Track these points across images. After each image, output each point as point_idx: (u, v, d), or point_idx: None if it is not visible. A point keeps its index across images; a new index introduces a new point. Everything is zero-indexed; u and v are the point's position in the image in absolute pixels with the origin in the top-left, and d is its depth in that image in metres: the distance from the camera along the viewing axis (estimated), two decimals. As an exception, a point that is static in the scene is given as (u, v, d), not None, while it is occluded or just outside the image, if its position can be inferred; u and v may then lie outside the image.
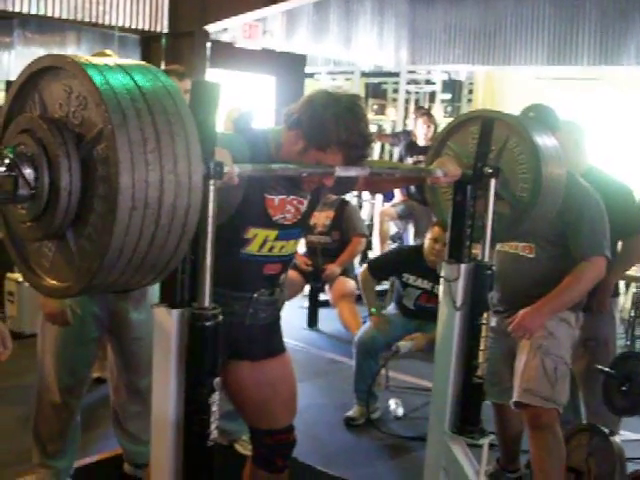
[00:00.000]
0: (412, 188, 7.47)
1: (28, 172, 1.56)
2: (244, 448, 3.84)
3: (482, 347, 2.78)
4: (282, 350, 2.71)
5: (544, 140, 2.79)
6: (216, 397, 1.90)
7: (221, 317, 1.92)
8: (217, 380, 1.90)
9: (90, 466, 3.72)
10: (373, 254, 7.92)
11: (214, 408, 1.90)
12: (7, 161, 1.56)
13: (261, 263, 2.49)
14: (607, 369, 3.46)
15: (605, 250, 3.32)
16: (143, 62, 1.70)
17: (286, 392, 2.70)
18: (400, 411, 4.81)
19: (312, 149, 2.31)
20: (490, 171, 2.72)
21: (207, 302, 1.89)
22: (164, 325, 1.92)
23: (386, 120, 10.85)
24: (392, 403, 4.85)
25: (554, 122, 3.40)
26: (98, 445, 3.98)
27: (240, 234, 2.41)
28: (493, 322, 3.55)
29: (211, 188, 1.82)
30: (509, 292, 3.48)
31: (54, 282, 1.70)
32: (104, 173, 1.53)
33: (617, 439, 3.52)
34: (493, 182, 2.73)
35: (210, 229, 1.85)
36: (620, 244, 3.92)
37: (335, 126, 2.27)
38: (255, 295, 2.51)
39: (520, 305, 3.40)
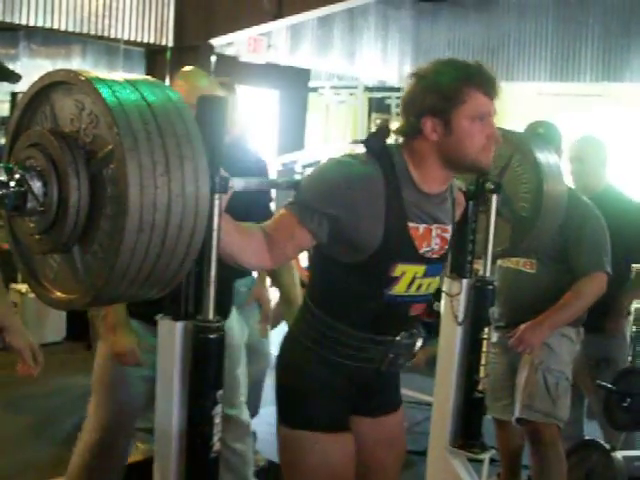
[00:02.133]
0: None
1: (37, 186, 1.58)
2: None
3: (483, 362, 2.78)
4: (399, 404, 2.50)
5: (547, 158, 2.81)
6: (219, 409, 1.91)
7: (224, 332, 1.92)
8: (220, 392, 1.91)
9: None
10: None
11: (217, 420, 1.91)
12: (17, 176, 1.57)
13: (408, 304, 2.24)
14: (608, 385, 3.47)
15: (606, 266, 3.34)
16: (154, 79, 1.71)
17: (400, 448, 2.50)
18: (401, 425, 4.79)
19: (453, 116, 2.08)
20: (492, 187, 2.73)
21: (211, 315, 1.90)
22: (168, 337, 1.93)
23: (389, 135, 10.84)
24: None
25: (559, 140, 3.44)
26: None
27: (386, 272, 2.14)
28: (495, 338, 3.56)
29: (216, 202, 1.83)
30: (511, 307, 3.49)
31: (59, 294, 1.72)
32: (113, 193, 1.54)
33: (618, 455, 3.53)
34: (495, 198, 2.75)
35: (214, 242, 1.86)
36: (635, 267, 3.94)
37: (450, 75, 2.08)
38: (397, 338, 2.26)
39: (521, 320, 3.41)
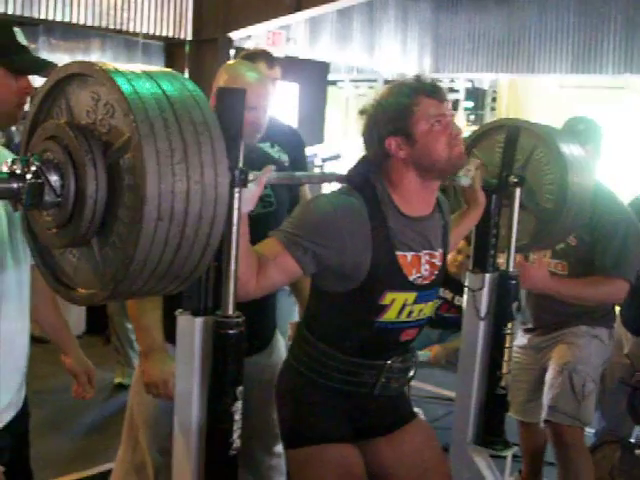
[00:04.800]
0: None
1: (54, 179, 1.55)
2: None
3: (506, 358, 2.75)
4: (414, 416, 2.49)
5: (570, 149, 2.77)
6: (239, 406, 1.88)
7: (243, 327, 1.89)
8: (240, 389, 1.89)
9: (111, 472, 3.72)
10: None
11: (237, 417, 1.88)
12: (34, 168, 1.55)
13: (399, 330, 2.27)
14: (633, 383, 3.43)
15: (630, 275, 3.22)
16: (171, 70, 1.69)
17: (435, 459, 2.44)
18: (421, 420, 4.77)
19: (410, 128, 2.14)
20: (515, 180, 2.70)
21: (231, 310, 1.87)
22: (187, 333, 1.91)
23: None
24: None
25: (600, 137, 3.37)
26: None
27: (376, 301, 2.18)
28: (525, 340, 3.53)
29: (236, 196, 1.81)
30: (540, 310, 3.45)
31: (80, 290, 1.70)
32: (131, 182, 1.52)
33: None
34: (518, 191, 2.71)
35: (234, 237, 1.83)
36: None
37: (391, 96, 2.17)
38: (389, 362, 2.29)
39: (550, 323, 3.38)
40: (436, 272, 2.29)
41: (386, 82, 10.64)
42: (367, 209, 2.14)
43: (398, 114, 2.15)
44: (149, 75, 1.58)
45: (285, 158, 3.58)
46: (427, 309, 2.32)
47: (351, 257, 2.11)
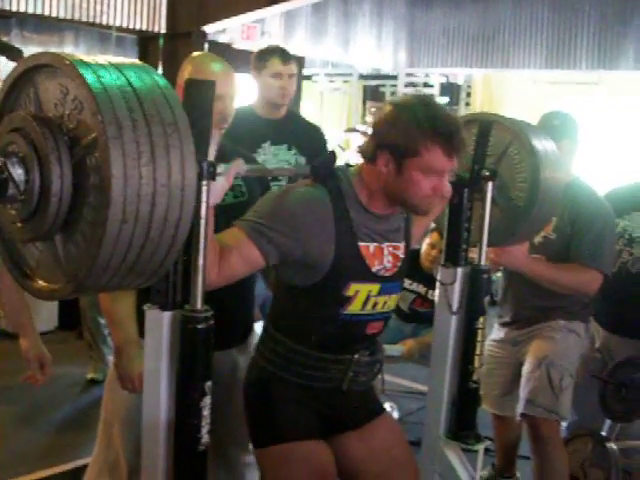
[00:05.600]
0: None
1: (18, 173, 1.53)
2: None
3: (478, 352, 2.75)
4: (382, 410, 2.53)
5: (544, 145, 2.77)
6: (207, 401, 1.87)
7: (212, 321, 1.87)
8: (209, 384, 1.88)
9: (86, 467, 3.69)
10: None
11: (205, 412, 1.87)
12: (-2, 163, 1.53)
13: (364, 322, 2.28)
14: (604, 377, 3.45)
15: (604, 267, 3.23)
16: (142, 63, 1.66)
17: (404, 456, 2.47)
18: (395, 415, 4.78)
19: (407, 161, 2.11)
20: (487, 174, 2.70)
21: (199, 304, 1.86)
22: (155, 328, 1.90)
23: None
24: (387, 407, 4.83)
25: (576, 131, 3.37)
26: (93, 446, 3.97)
27: (340, 292, 2.19)
28: (502, 333, 3.54)
29: (204, 189, 1.79)
30: (517, 303, 3.46)
31: (42, 283, 1.68)
32: (96, 182, 1.50)
33: (614, 445, 3.51)
34: (490, 185, 2.71)
35: (202, 231, 1.82)
36: None
37: (417, 122, 2.08)
38: (356, 356, 2.30)
39: (527, 316, 3.39)
40: (399, 264, 2.31)
41: (361, 76, 10.66)
42: (330, 200, 2.15)
43: (406, 143, 2.10)
44: (119, 69, 1.55)
45: (302, 160, 3.57)
46: (391, 301, 2.34)
47: (315, 248, 2.12)
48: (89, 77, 1.49)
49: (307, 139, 3.66)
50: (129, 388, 2.52)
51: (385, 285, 2.27)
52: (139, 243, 1.52)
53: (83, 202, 1.54)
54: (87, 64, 1.53)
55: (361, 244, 2.19)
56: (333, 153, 2.26)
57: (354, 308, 2.23)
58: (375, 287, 2.24)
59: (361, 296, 2.22)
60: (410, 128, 2.09)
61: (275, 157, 3.50)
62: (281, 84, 3.63)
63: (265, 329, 2.38)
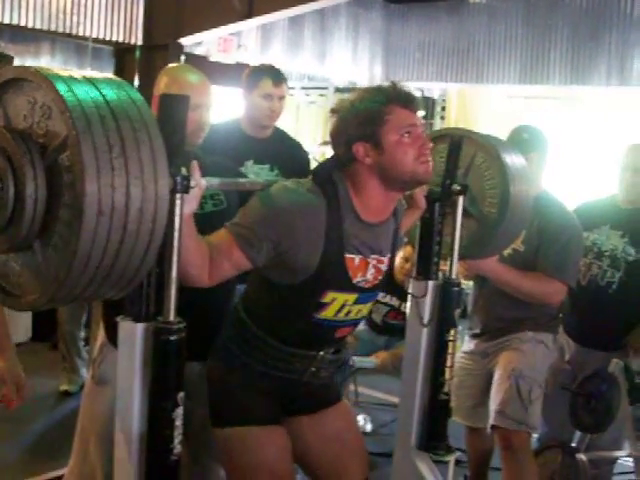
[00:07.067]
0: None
1: (-8, 183, 1.55)
2: None
3: (449, 364, 2.79)
4: (339, 399, 2.58)
5: (512, 159, 2.81)
6: (180, 412, 1.89)
7: (184, 333, 1.89)
8: (181, 395, 1.89)
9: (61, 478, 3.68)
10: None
11: (178, 422, 1.89)
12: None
13: (334, 327, 2.31)
14: (574, 389, 3.49)
15: (569, 279, 3.29)
16: (108, 74, 1.70)
17: (354, 442, 2.55)
18: (369, 427, 4.81)
19: (380, 135, 2.12)
20: (458, 188, 2.74)
21: (172, 316, 1.87)
22: (129, 339, 1.91)
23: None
24: (361, 419, 4.85)
25: (545, 145, 3.42)
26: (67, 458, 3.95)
27: (316, 298, 2.20)
28: (472, 345, 3.57)
29: (177, 202, 1.81)
30: (486, 315, 3.49)
31: (19, 294, 1.69)
32: (69, 180, 1.52)
33: (583, 456, 3.54)
34: (461, 199, 2.75)
35: (176, 243, 1.84)
36: None
37: (367, 100, 2.14)
38: (321, 353, 2.35)
39: (496, 328, 3.42)
40: (380, 277, 2.32)
41: (337, 90, 10.68)
42: (326, 208, 2.14)
43: (369, 120, 2.13)
44: (86, 77, 1.59)
45: None
46: (365, 309, 2.36)
47: (301, 254, 2.12)
48: (56, 81, 1.53)
49: (290, 160, 3.63)
50: None
51: (362, 295, 2.29)
52: (117, 237, 1.54)
53: (59, 203, 1.55)
54: (53, 72, 1.57)
55: (347, 255, 2.19)
56: (334, 158, 2.24)
57: (327, 314, 2.24)
58: (352, 297, 2.26)
59: (336, 304, 2.24)
60: (365, 108, 2.13)
61: (257, 176, 3.48)
62: (270, 106, 3.57)
63: (235, 309, 2.39)
